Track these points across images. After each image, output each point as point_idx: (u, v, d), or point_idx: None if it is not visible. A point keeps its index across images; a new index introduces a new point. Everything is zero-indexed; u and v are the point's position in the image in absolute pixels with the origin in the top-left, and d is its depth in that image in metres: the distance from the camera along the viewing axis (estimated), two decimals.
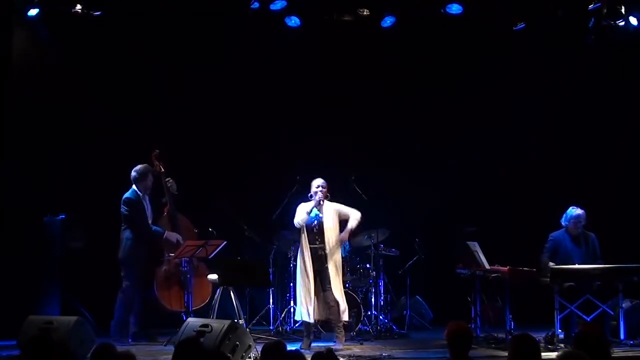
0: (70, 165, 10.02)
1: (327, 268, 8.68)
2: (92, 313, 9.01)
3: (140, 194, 9.06)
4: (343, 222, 8.83)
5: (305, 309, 8.66)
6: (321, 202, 8.71)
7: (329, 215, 8.77)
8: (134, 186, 9.07)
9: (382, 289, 9.83)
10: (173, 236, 9.07)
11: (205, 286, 9.23)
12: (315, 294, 8.70)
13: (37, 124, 9.97)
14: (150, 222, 9.11)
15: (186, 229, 9.28)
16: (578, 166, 10.97)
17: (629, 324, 8.71)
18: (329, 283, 8.66)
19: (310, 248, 8.72)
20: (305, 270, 8.70)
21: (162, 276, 9.06)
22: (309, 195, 8.79)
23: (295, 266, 9.61)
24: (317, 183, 8.78)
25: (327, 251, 8.70)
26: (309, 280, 8.67)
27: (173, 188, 9.24)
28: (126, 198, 8.99)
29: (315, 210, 8.73)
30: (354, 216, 8.79)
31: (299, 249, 8.83)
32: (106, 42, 10.15)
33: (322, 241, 8.72)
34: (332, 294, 8.63)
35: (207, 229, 9.05)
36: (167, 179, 9.28)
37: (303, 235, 8.76)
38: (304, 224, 8.71)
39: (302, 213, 8.73)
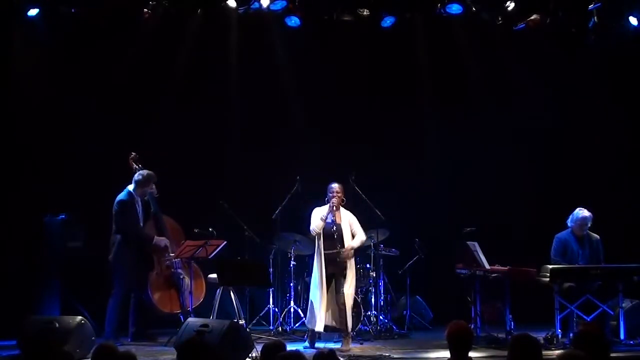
0: (70, 165, 10.01)
1: (344, 273, 8.68)
2: (91, 313, 8.99)
3: (135, 197, 9.04)
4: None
5: (317, 317, 8.61)
6: (335, 208, 8.69)
7: (345, 222, 8.78)
8: (130, 187, 9.01)
9: (382, 289, 9.83)
10: (162, 241, 9.04)
11: (199, 286, 9.22)
12: (329, 299, 8.71)
13: (37, 123, 9.97)
14: (141, 225, 9.07)
15: (172, 230, 9.25)
16: (578, 166, 10.96)
17: (629, 324, 8.72)
18: (343, 287, 8.65)
19: (327, 253, 8.68)
20: (321, 277, 8.66)
21: (154, 280, 9.03)
22: (325, 199, 8.78)
23: (295, 266, 9.64)
24: (333, 188, 8.74)
25: (345, 256, 8.69)
26: (323, 287, 8.64)
27: (154, 191, 9.17)
28: (120, 200, 8.94)
29: (330, 216, 8.70)
30: (360, 237, 8.80)
31: (315, 254, 8.79)
32: (106, 42, 10.14)
33: (342, 246, 8.70)
34: (343, 296, 8.63)
35: (207, 229, 9.03)
36: None
37: (319, 241, 8.72)
38: (321, 231, 8.69)
39: (317, 219, 8.70)
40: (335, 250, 8.69)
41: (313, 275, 8.80)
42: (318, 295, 8.64)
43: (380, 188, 10.11)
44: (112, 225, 9.00)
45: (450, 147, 11.09)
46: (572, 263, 8.85)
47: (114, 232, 8.98)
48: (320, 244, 8.70)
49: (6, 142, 9.84)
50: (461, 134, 11.02)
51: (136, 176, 9.02)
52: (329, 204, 8.70)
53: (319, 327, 8.62)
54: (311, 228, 8.75)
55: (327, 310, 8.70)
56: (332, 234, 8.70)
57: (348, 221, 8.80)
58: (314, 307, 8.66)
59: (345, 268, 8.71)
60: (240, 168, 10.75)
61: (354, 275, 8.82)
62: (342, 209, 8.81)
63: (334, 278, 8.71)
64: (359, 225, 8.86)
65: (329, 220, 8.69)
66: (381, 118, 11.09)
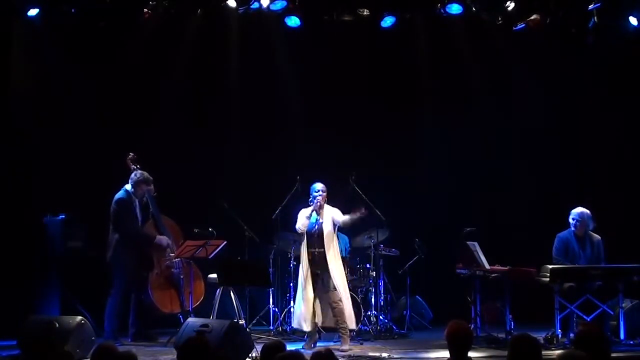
0: (69, 165, 10.00)
1: (329, 271, 8.67)
2: (91, 313, 8.99)
3: (133, 197, 9.04)
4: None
5: (302, 317, 8.66)
6: (320, 207, 8.72)
7: (328, 219, 8.78)
8: (128, 187, 9.03)
9: (382, 289, 9.82)
10: (163, 240, 9.04)
11: (199, 286, 9.22)
12: (318, 297, 8.72)
13: (37, 123, 9.97)
14: (140, 225, 9.08)
15: (172, 230, 9.25)
16: (578, 166, 10.97)
17: (629, 324, 8.70)
18: (333, 284, 8.64)
19: (310, 252, 8.72)
20: (305, 276, 8.71)
21: (154, 280, 9.03)
22: (309, 200, 8.79)
23: (295, 266, 9.64)
24: (317, 188, 8.76)
25: (328, 255, 8.69)
26: (308, 286, 8.67)
27: (151, 189, 9.16)
28: (118, 198, 8.98)
29: (315, 215, 8.72)
30: (341, 215, 8.77)
31: (300, 254, 8.85)
32: (106, 42, 10.14)
33: (322, 245, 8.71)
34: (336, 293, 8.63)
35: (207, 229, 9.03)
36: None
37: (304, 240, 8.77)
38: (305, 229, 8.72)
39: (302, 218, 8.74)
40: (316, 249, 8.71)
41: (299, 276, 8.85)
42: (300, 295, 8.71)
43: (380, 188, 10.11)
44: (110, 225, 9.00)
45: (451, 146, 11.09)
46: (572, 263, 8.84)
47: (112, 232, 8.98)
48: (304, 242, 8.75)
49: (6, 142, 9.84)
50: (461, 133, 11.02)
51: (133, 176, 9.03)
52: (313, 205, 8.71)
53: (303, 327, 8.67)
54: (297, 227, 8.79)
55: (321, 310, 8.74)
56: (313, 233, 8.74)
57: (331, 218, 8.79)
58: (297, 307, 8.75)
59: (327, 265, 8.66)
60: (240, 168, 10.75)
61: (341, 268, 8.79)
62: (326, 206, 8.81)
63: (321, 277, 8.72)
64: (341, 213, 8.77)
65: (312, 220, 8.71)
66: (381, 118, 11.08)
